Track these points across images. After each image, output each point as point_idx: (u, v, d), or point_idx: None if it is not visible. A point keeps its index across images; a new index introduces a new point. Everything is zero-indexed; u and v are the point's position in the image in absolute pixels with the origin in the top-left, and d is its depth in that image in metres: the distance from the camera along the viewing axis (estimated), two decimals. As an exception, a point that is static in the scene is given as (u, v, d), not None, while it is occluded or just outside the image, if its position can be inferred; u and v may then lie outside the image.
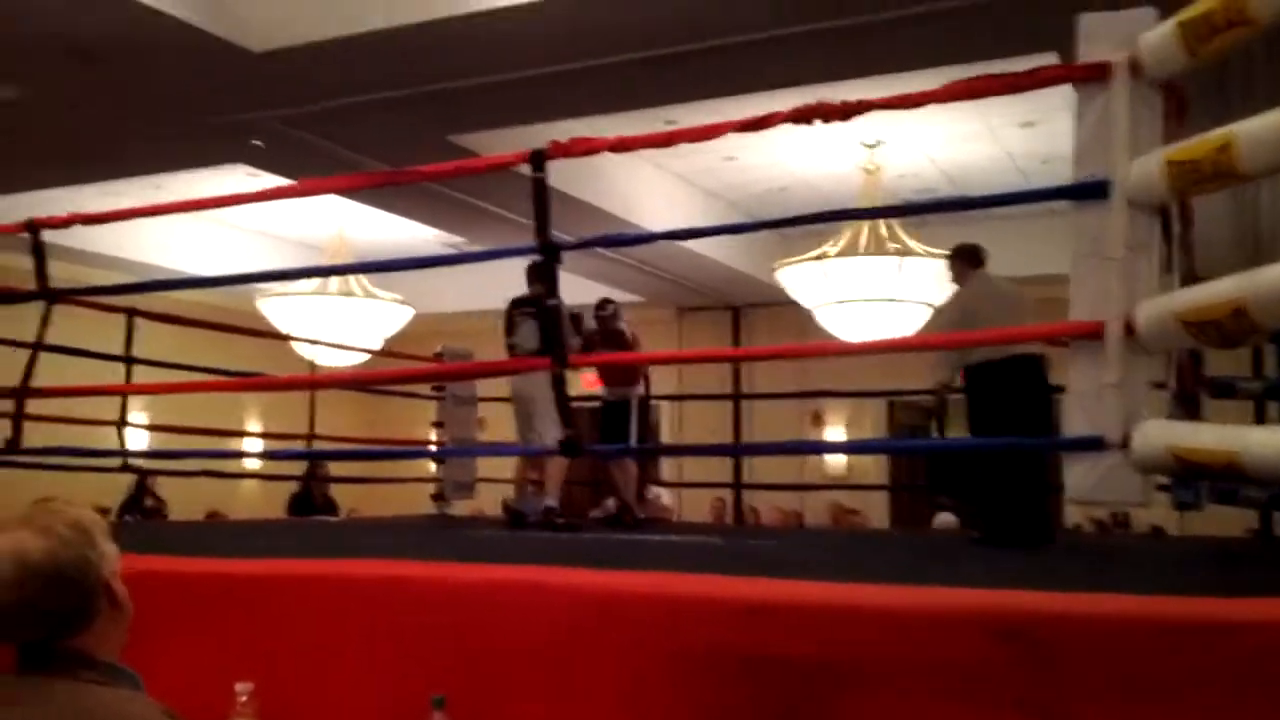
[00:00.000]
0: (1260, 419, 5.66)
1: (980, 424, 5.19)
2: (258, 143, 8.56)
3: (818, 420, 13.71)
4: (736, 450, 14.16)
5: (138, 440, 10.54)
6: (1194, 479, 4.27)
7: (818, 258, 9.67)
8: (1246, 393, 5.66)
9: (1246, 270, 2.46)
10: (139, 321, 7.00)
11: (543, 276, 3.82)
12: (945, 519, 9.68)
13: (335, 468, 10.52)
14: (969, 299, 5.53)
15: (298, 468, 10.26)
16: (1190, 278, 3.29)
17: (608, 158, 8.67)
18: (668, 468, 13.44)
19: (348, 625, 2.70)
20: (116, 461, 7.09)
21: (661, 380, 10.24)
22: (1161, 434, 2.69)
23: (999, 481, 5.01)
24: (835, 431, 13.78)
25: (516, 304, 6.59)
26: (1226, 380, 5.29)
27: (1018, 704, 1.90)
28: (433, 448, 9.25)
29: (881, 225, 9.63)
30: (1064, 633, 1.90)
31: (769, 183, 10.81)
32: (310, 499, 10.10)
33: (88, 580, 1.73)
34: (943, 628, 2.01)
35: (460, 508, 8.71)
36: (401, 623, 2.64)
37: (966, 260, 5.73)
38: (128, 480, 9.80)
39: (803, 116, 3.17)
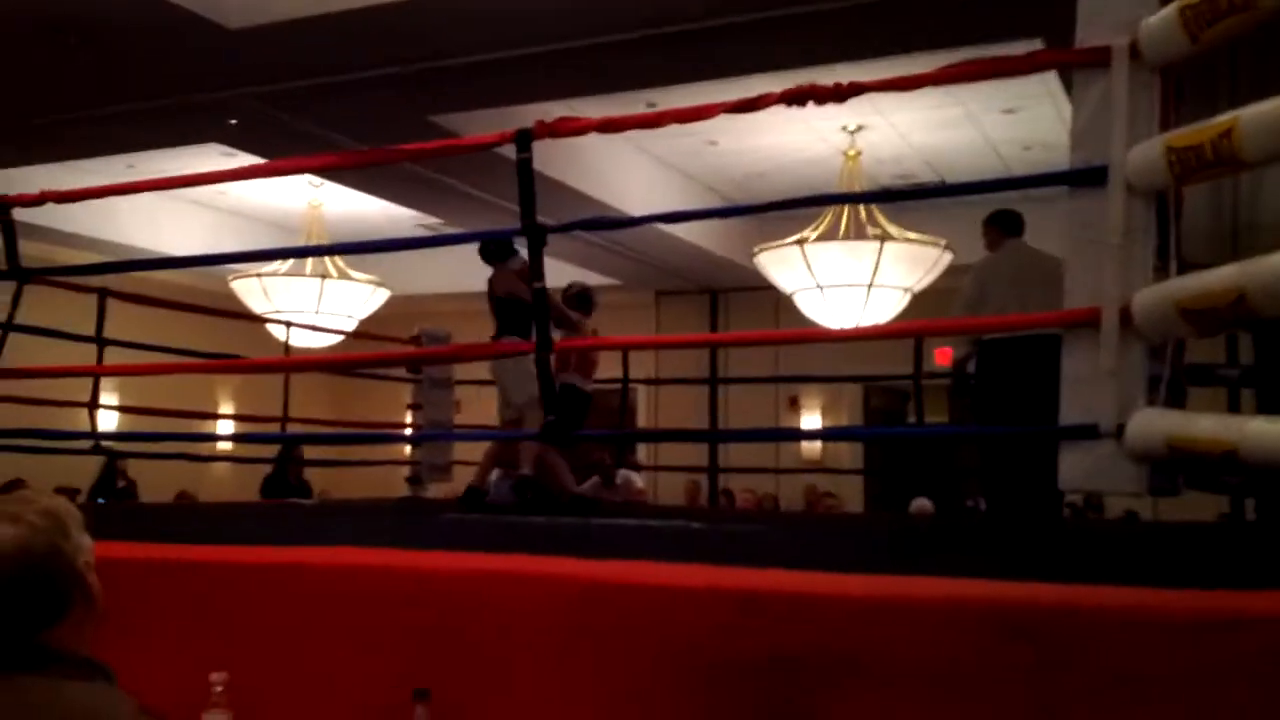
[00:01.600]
0: (1234, 405, 5.67)
1: (980, 405, 5.09)
2: (231, 121, 8.45)
3: (794, 405, 13.68)
4: (711, 436, 14.14)
5: (109, 421, 10.42)
6: (1186, 467, 4.24)
7: (797, 242, 9.63)
8: (1224, 379, 5.67)
9: (1227, 259, 2.44)
10: (111, 302, 6.91)
11: (530, 259, 3.75)
12: (921, 504, 9.69)
13: (308, 450, 10.43)
14: (983, 271, 5.28)
15: (270, 449, 10.17)
16: (1182, 265, 3.26)
17: (587, 139, 8.62)
18: (643, 450, 13.42)
19: (326, 615, 2.64)
20: (87, 443, 7.01)
21: (638, 364, 10.20)
22: (1157, 423, 2.66)
23: (1005, 465, 4.92)
24: (811, 416, 13.76)
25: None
26: (1204, 367, 5.28)
27: (1024, 702, 1.87)
28: (408, 430, 9.18)
29: (861, 210, 9.60)
30: (1074, 628, 1.87)
31: (749, 167, 10.75)
32: (284, 481, 10.01)
33: (60, 571, 1.67)
34: (948, 622, 1.97)
35: (435, 490, 8.65)
36: (380, 613, 2.58)
37: (999, 228, 5.37)
38: (97, 462, 9.68)
39: (796, 98, 3.12)
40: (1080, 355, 2.78)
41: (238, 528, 4.82)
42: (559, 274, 11.33)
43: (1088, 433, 2.73)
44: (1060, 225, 2.89)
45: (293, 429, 8.83)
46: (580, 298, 6.98)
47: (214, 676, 2.31)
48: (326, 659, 2.56)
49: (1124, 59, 2.71)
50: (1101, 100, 2.76)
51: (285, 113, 8.23)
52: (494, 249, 6.29)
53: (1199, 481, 4.97)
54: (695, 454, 12.15)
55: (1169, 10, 2.61)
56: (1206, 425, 2.48)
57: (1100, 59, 2.75)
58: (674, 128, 4.49)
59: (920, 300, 9.75)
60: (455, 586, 2.53)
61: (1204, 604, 1.92)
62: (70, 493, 9.14)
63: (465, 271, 12.88)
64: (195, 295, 10.14)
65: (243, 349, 7.59)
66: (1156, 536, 5.16)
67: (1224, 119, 2.43)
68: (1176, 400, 3.82)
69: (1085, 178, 2.79)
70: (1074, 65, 2.88)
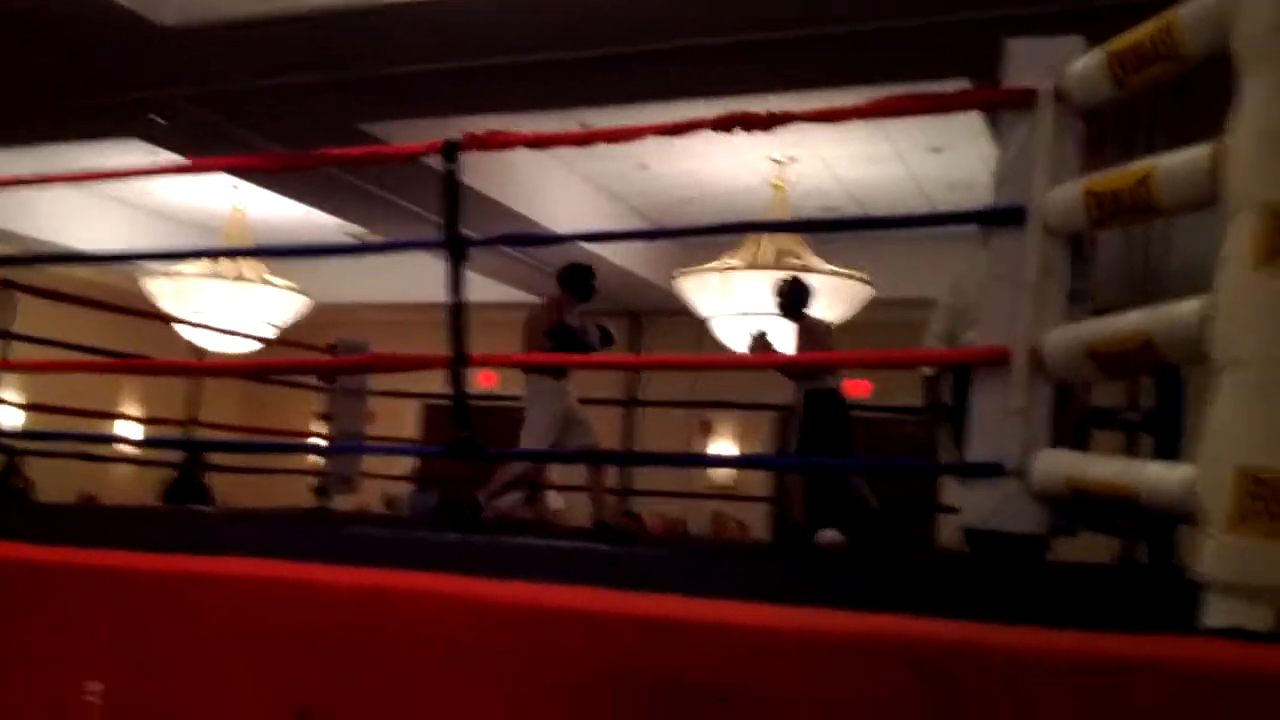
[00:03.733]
0: (1132, 449, 5.76)
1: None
2: (158, 119, 8.28)
3: (707, 430, 13.70)
4: (621, 459, 14.10)
5: (9, 418, 10.14)
6: (1083, 509, 4.30)
7: (719, 268, 9.67)
8: (1125, 423, 5.75)
9: (1136, 304, 2.48)
10: (18, 296, 6.72)
11: (451, 272, 3.68)
12: (830, 534, 9.71)
13: (216, 455, 10.22)
14: (963, 277, 4.70)
15: (175, 452, 9.96)
16: (1095, 309, 3.31)
17: (518, 156, 8.59)
18: (555, 471, 13.35)
19: (211, 627, 2.55)
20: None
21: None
22: (1059, 463, 2.68)
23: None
24: (724, 442, 13.80)
25: None
26: (1107, 410, 5.36)
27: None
28: (318, 440, 9.03)
29: (784, 241, 9.67)
30: (973, 667, 1.86)
31: (678, 192, 10.79)
32: (188, 486, 9.80)
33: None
34: (845, 656, 1.95)
35: (342, 502, 8.51)
36: (267, 627, 2.50)
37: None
38: (-3, 458, 9.43)
39: (725, 125, 3.12)
40: (989, 393, 2.80)
41: (132, 532, 4.68)
42: (482, 288, 11.31)
43: (993, 470, 2.75)
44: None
45: (200, 434, 8.65)
46: (796, 291, 6.20)
47: (87, 685, 2.23)
48: (209, 673, 2.48)
49: (1049, 102, 2.75)
50: (1025, 141, 2.80)
51: (213, 114, 8.10)
52: (571, 277, 5.99)
53: (1094, 523, 5.05)
54: (606, 476, 12.09)
55: (1096, 55, 2.65)
56: (1108, 468, 2.51)
57: (1026, 101, 2.78)
58: (605, 150, 4.50)
59: (839, 333, 9.82)
60: (344, 602, 2.45)
61: (1099, 647, 1.92)
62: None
63: (387, 281, 12.83)
64: (107, 293, 9.90)
65: (153, 350, 7.43)
66: (1056, 577, 5.22)
67: (1142, 166, 2.46)
68: (1080, 442, 3.88)
69: (1005, 217, 2.81)
70: (1000, 106, 2.91)
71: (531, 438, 5.85)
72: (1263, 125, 2.04)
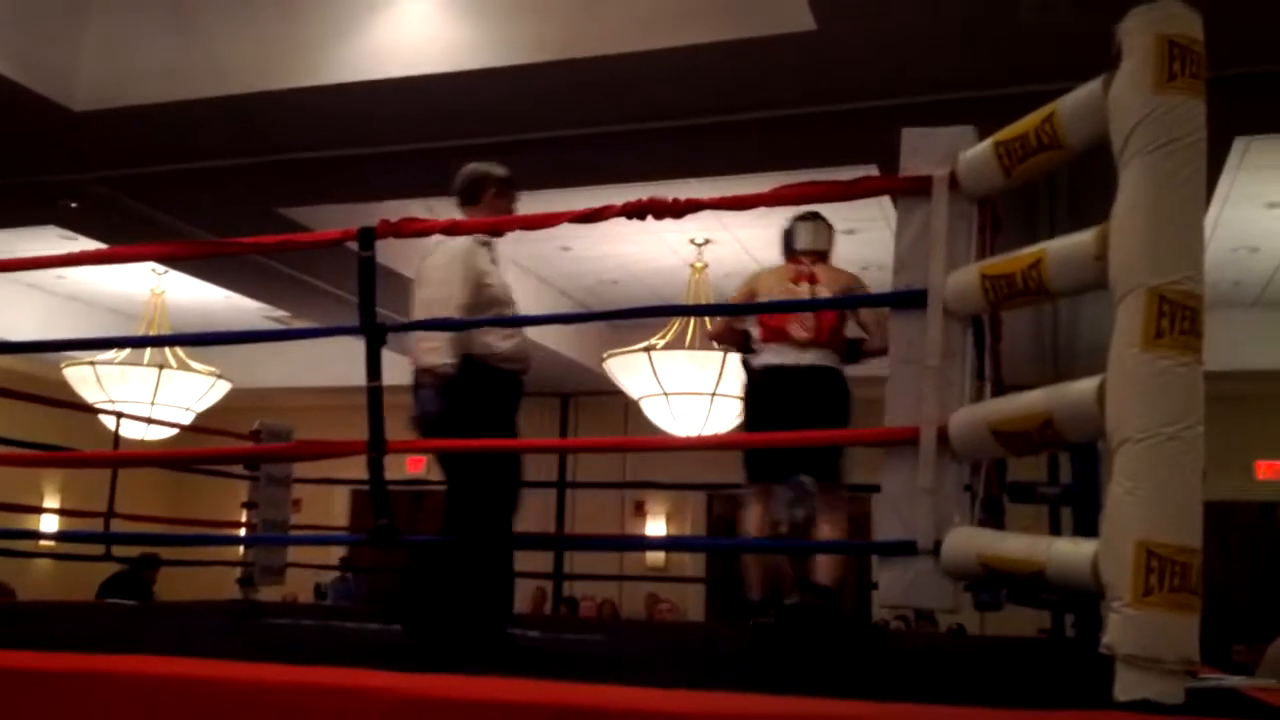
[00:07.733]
0: (1054, 523, 5.85)
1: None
2: (71, 204, 8.21)
3: (640, 511, 13.70)
4: (554, 543, 14.01)
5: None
6: (1008, 583, 4.35)
7: (645, 349, 9.75)
8: (1044, 498, 5.85)
9: (1048, 383, 2.54)
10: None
11: (368, 357, 3.67)
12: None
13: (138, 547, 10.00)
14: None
15: (96, 544, 9.71)
16: (1000, 388, 3.39)
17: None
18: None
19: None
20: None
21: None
22: (971, 541, 2.73)
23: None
24: (656, 523, 13.80)
25: None
26: (1026, 485, 5.46)
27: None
28: (243, 530, 8.88)
29: (707, 321, 9.78)
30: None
31: (601, 274, 10.88)
32: (130, 582, 9.62)
33: None
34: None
35: (269, 593, 8.36)
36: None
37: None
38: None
39: (636, 211, 3.18)
40: (898, 472, 2.86)
41: (44, 630, 4.57)
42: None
43: (906, 549, 2.80)
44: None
45: (121, 526, 8.45)
46: None
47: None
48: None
49: (944, 189, 2.85)
50: (922, 227, 2.89)
51: (128, 198, 8.04)
52: None
53: (1021, 597, 5.11)
54: (540, 559, 12.02)
55: (985, 145, 2.75)
56: (1017, 544, 2.56)
57: (922, 187, 2.89)
58: (528, 232, 4.52)
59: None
60: (266, 700, 2.43)
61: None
62: None
63: (311, 365, 12.73)
64: (25, 382, 9.73)
65: (73, 440, 7.28)
66: (981, 652, 5.27)
67: (1034, 250, 2.55)
68: (995, 518, 3.94)
69: (906, 300, 2.90)
70: (898, 192, 3.01)
71: None
72: (1141, 213, 2.14)
